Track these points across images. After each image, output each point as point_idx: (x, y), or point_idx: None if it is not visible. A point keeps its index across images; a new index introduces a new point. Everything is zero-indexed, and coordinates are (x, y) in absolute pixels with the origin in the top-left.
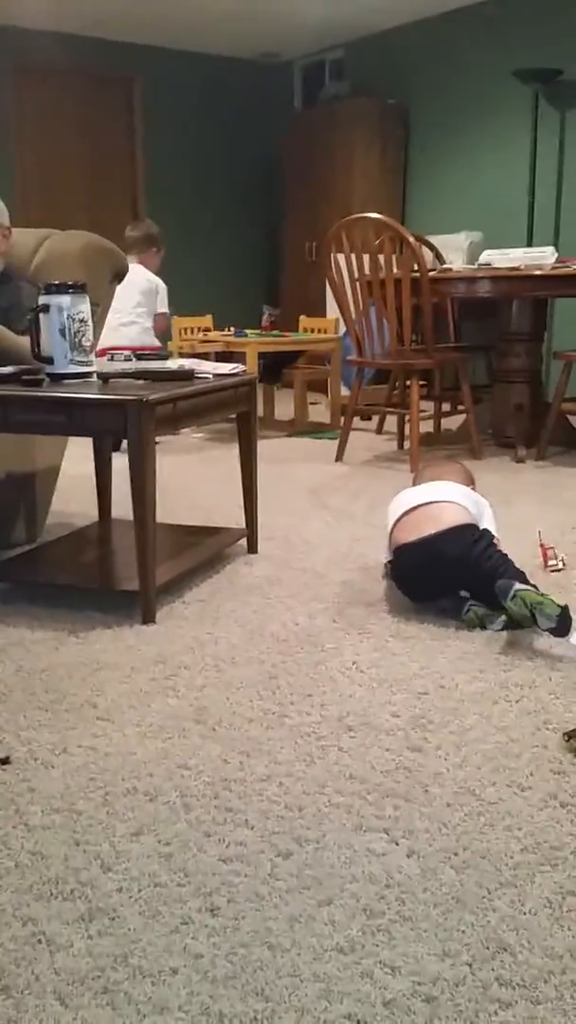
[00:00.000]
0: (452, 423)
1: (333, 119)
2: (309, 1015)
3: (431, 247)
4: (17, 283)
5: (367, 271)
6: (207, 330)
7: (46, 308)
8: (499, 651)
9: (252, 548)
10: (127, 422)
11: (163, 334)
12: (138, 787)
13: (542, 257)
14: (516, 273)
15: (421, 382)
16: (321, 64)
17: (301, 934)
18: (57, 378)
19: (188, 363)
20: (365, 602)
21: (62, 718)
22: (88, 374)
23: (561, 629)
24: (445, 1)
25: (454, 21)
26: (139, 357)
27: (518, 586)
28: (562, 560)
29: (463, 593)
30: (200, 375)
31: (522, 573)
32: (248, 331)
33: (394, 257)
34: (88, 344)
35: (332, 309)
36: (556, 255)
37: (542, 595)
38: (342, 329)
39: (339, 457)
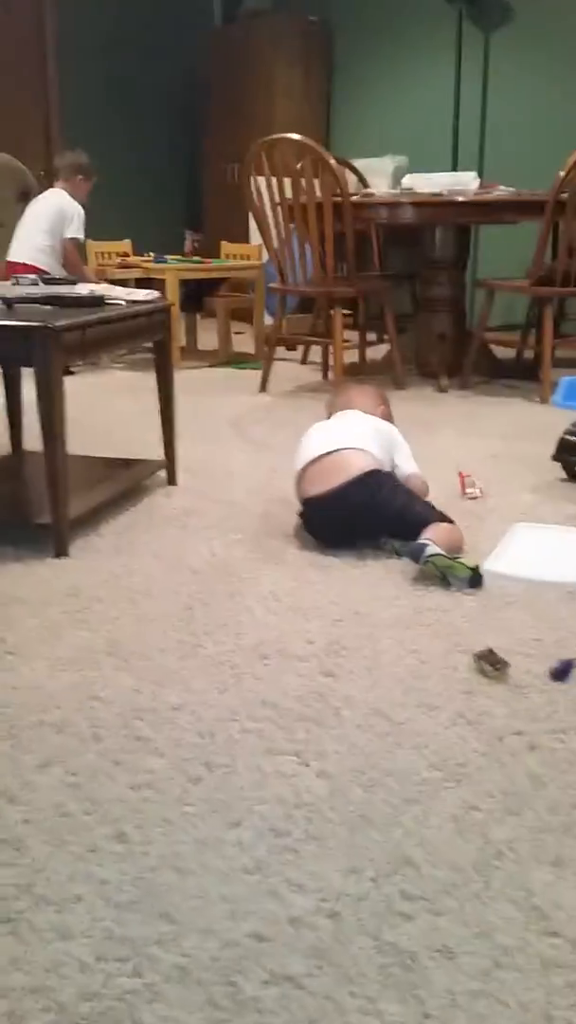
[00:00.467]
0: (377, 352)
1: (253, 36)
2: (214, 936)
3: (355, 171)
4: None
5: (288, 195)
6: (125, 255)
7: None
8: (415, 578)
9: (171, 480)
10: (32, 350)
11: (75, 262)
12: (46, 720)
13: (465, 183)
14: (438, 200)
15: (346, 311)
16: None
17: (209, 857)
18: None
19: (99, 288)
20: (283, 533)
21: None
22: None
23: (474, 585)
24: None
25: None
26: (47, 282)
27: (428, 550)
28: (479, 488)
29: (383, 539)
30: (112, 301)
31: (430, 506)
32: (169, 257)
33: (316, 181)
34: None
35: (256, 235)
36: (479, 181)
37: (452, 558)
38: (265, 256)
39: (263, 388)
